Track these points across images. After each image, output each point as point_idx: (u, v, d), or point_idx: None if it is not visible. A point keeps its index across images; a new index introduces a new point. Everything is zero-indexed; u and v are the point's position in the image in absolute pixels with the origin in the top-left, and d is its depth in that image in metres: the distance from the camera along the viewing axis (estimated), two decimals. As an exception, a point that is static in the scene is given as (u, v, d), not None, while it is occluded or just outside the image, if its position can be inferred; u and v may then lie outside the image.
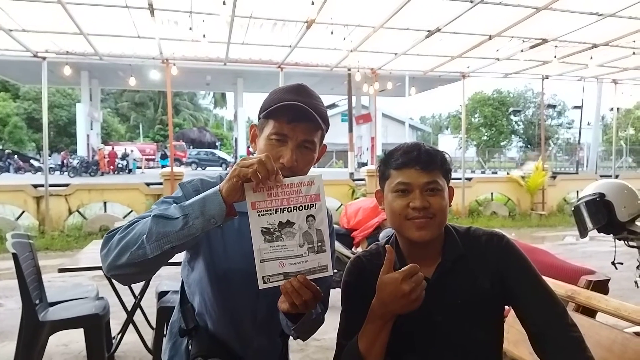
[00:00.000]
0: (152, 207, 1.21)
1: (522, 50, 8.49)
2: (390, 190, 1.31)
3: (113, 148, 28.86)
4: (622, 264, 2.78)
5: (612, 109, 24.92)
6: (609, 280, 1.88)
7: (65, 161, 27.12)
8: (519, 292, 1.30)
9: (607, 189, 2.60)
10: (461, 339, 1.30)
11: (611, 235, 2.67)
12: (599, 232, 2.64)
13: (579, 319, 1.60)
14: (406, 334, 1.32)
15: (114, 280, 1.26)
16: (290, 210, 1.07)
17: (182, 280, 1.41)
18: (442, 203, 1.27)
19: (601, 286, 1.82)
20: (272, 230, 1.07)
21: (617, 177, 12.95)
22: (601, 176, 13.88)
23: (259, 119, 1.28)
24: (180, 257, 1.33)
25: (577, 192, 12.87)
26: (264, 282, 1.08)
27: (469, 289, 1.30)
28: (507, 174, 15.14)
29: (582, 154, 31.06)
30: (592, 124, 24.94)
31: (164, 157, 30.83)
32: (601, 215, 2.57)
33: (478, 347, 1.31)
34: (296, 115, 1.20)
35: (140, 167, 31.35)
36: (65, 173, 25.06)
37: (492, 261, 1.31)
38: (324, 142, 1.33)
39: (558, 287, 1.85)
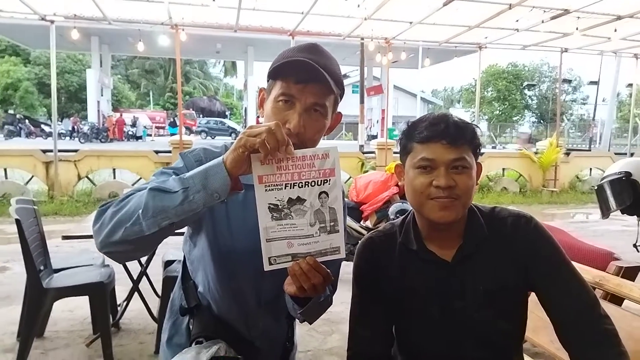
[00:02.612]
0: (151, 177, 1.11)
1: (542, 21, 8.19)
2: (412, 166, 1.18)
3: (121, 115, 28.81)
4: (644, 246, 2.68)
5: (630, 85, 24.31)
6: (640, 266, 1.77)
7: (75, 127, 27.16)
8: (548, 280, 1.19)
9: (634, 168, 2.46)
10: (482, 327, 1.21)
11: (635, 216, 2.54)
12: (622, 213, 2.52)
13: (608, 308, 1.51)
14: (425, 320, 1.24)
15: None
16: (302, 185, 0.96)
17: (184, 256, 1.33)
18: (469, 182, 1.15)
19: (632, 273, 1.71)
20: (280, 207, 0.96)
21: (632, 154, 12.69)
22: (615, 154, 13.60)
23: (268, 80, 1.16)
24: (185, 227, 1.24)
25: (590, 169, 12.67)
26: (270, 264, 0.99)
27: (493, 275, 1.20)
28: (519, 149, 14.90)
29: (595, 130, 30.50)
30: (608, 100, 24.36)
31: (173, 124, 30.77)
32: (626, 195, 2.44)
33: (499, 336, 1.22)
34: (305, 75, 1.07)
35: (150, 135, 31.34)
36: (76, 139, 25.15)
37: (518, 245, 1.20)
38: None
39: (585, 272, 1.74)
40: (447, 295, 1.21)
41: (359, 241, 1.36)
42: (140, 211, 0.95)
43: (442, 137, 1.14)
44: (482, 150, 1.26)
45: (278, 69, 1.10)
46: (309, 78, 1.08)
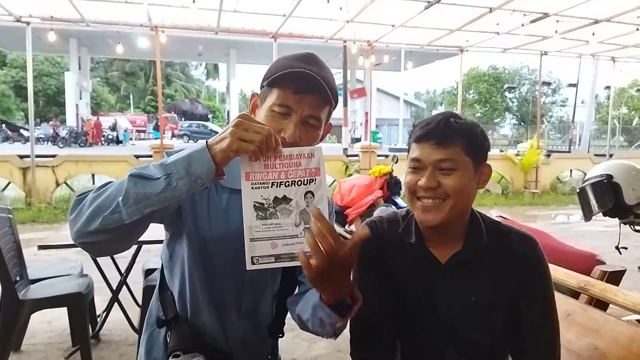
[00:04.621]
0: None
1: (522, 25, 8.29)
2: (408, 165, 1.20)
3: (98, 118, 28.37)
4: (626, 248, 2.69)
5: (608, 87, 24.80)
6: (624, 271, 1.77)
7: (55, 130, 26.60)
8: (527, 309, 1.19)
9: (615, 171, 2.48)
10: (462, 336, 1.19)
11: (616, 219, 2.56)
12: (605, 215, 2.54)
13: (593, 314, 1.50)
14: (415, 314, 1.22)
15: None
16: (288, 184, 0.95)
17: (162, 264, 1.28)
18: (457, 184, 1.13)
19: (616, 277, 1.71)
20: (266, 205, 0.95)
21: (611, 156, 12.93)
22: (595, 155, 13.84)
23: (262, 87, 1.14)
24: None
25: (571, 170, 12.86)
26: (253, 263, 0.96)
27: (486, 288, 1.18)
28: (501, 151, 15.06)
29: (575, 132, 31.03)
30: (587, 102, 24.84)
31: (157, 128, 30.44)
32: (608, 197, 2.45)
33: (478, 349, 1.20)
34: (304, 86, 1.06)
35: (131, 139, 30.93)
36: (56, 143, 24.69)
37: (517, 264, 1.19)
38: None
39: (570, 277, 1.74)
40: (433, 296, 1.20)
41: (360, 225, 1.34)
42: (121, 198, 0.92)
43: (430, 137, 1.14)
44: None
45: (277, 77, 1.08)
46: (307, 89, 1.07)
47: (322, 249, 0.87)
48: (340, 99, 16.54)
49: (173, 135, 31.91)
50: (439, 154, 1.13)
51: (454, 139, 1.14)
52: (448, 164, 1.13)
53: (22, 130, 28.91)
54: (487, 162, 1.23)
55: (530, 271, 1.19)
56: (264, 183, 0.95)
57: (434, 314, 1.20)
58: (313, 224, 0.88)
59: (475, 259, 1.20)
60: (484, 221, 1.24)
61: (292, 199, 0.95)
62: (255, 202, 0.95)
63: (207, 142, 0.94)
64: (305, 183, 0.96)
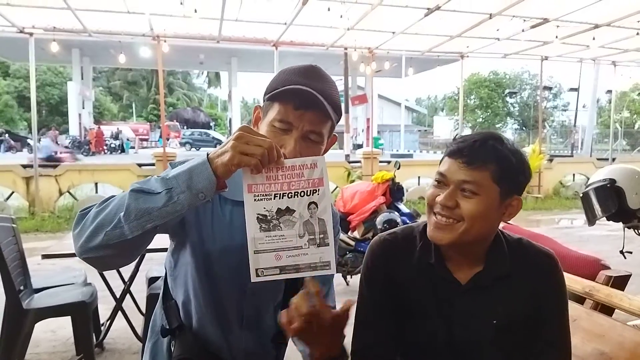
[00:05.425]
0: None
1: (522, 30, 8.31)
2: (434, 178, 1.16)
3: (99, 127, 28.49)
4: (631, 252, 2.68)
5: (609, 91, 24.83)
6: (630, 275, 1.77)
7: (53, 139, 26.55)
8: (542, 327, 1.15)
9: (618, 175, 2.47)
10: (478, 359, 1.15)
11: (620, 223, 2.55)
12: (608, 219, 2.53)
13: (598, 319, 1.50)
14: (429, 338, 1.18)
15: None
16: (291, 196, 0.95)
17: (166, 273, 1.29)
18: (475, 210, 1.07)
19: (621, 282, 1.71)
20: (269, 217, 0.95)
21: (614, 160, 12.90)
22: (597, 159, 13.82)
23: (264, 100, 1.14)
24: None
25: (574, 175, 12.84)
26: (257, 275, 0.96)
27: (504, 311, 1.14)
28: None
29: (577, 136, 31.00)
30: (588, 106, 24.85)
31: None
32: (611, 202, 2.44)
33: None
34: (305, 101, 1.06)
35: (133, 147, 31.03)
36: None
37: (537, 284, 1.15)
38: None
39: (575, 282, 1.74)
40: (451, 319, 1.15)
41: (371, 241, 1.29)
42: (122, 214, 0.91)
43: (461, 155, 1.09)
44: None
45: (277, 93, 1.08)
46: (308, 105, 1.07)
47: (301, 313, 0.91)
48: (342, 105, 16.57)
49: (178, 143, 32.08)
50: (465, 175, 1.08)
51: (484, 162, 1.07)
52: (471, 187, 1.08)
53: (28, 140, 28.99)
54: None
55: (550, 291, 1.16)
56: (266, 195, 0.94)
57: (447, 335, 1.15)
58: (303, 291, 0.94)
59: (496, 283, 1.15)
60: (507, 241, 1.19)
61: (295, 210, 0.95)
62: (259, 214, 0.94)
63: (208, 155, 0.93)
64: (309, 194, 0.95)
